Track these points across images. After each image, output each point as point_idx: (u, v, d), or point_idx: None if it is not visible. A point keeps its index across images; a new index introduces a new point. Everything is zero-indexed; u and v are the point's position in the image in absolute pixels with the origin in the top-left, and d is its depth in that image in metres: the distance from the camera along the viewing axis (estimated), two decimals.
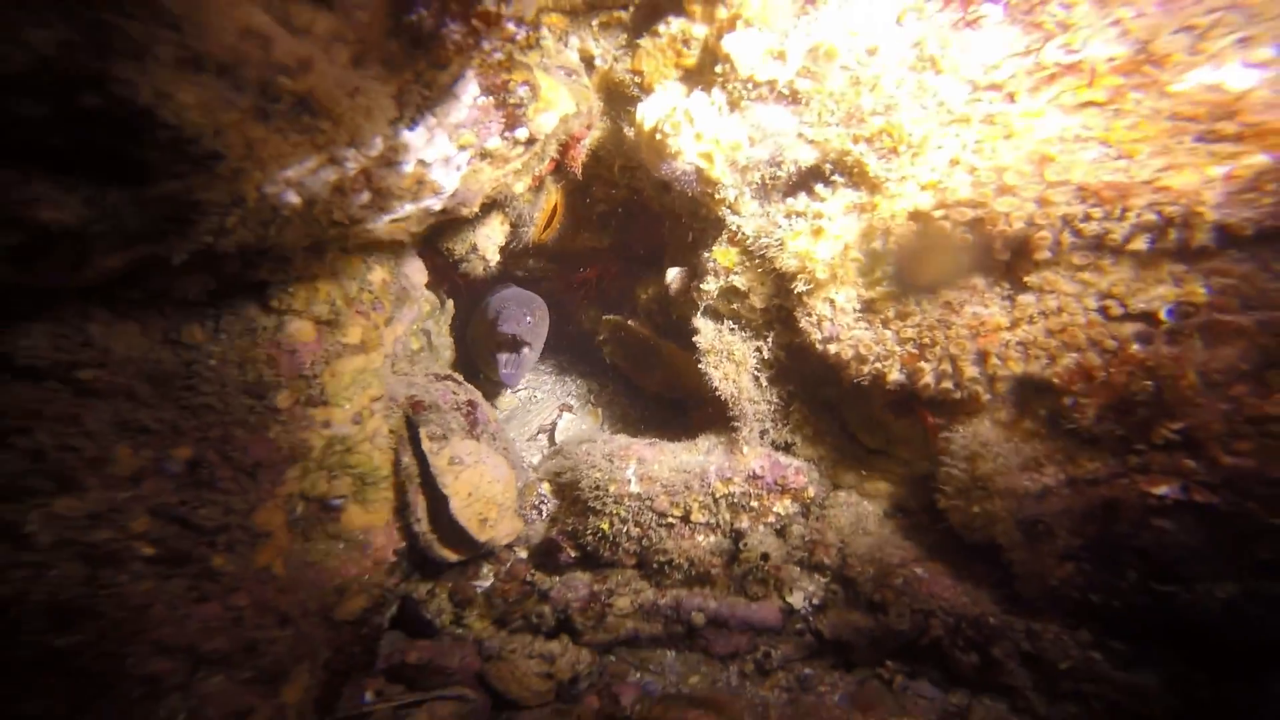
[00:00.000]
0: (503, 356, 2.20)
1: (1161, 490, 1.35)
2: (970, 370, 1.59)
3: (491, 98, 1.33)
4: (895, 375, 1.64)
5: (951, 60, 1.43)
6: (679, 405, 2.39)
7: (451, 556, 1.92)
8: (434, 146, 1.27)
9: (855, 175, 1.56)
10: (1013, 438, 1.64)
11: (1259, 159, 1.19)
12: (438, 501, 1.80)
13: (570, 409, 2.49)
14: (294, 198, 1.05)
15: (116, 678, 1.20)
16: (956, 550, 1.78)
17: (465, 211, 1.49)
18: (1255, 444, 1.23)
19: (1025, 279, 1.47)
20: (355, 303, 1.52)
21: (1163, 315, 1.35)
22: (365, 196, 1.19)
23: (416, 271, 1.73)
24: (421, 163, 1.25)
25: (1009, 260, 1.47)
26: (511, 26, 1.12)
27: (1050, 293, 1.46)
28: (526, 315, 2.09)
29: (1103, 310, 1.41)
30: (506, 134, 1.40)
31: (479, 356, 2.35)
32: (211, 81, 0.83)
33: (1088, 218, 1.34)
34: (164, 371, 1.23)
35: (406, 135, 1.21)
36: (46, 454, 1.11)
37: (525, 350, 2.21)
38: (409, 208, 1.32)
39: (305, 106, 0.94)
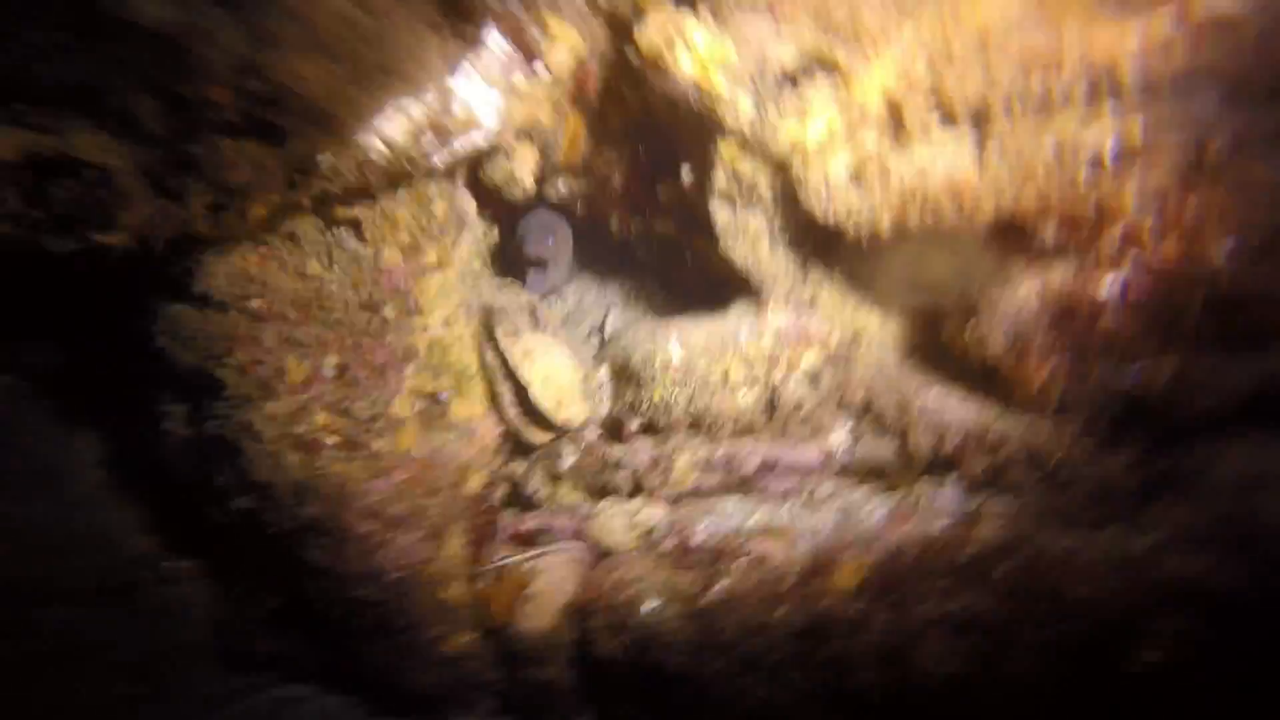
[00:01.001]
0: (530, 274, 2.51)
1: (1107, 278, 1.62)
2: (949, 213, 1.82)
3: (513, 42, 1.61)
4: (885, 228, 1.88)
5: None
6: (711, 292, 2.59)
7: (539, 437, 2.32)
8: (473, 88, 1.57)
9: (830, 66, 1.80)
10: (994, 265, 1.88)
11: (1165, 21, 1.45)
12: (520, 389, 2.19)
13: (615, 309, 2.81)
14: (380, 144, 1.38)
15: (345, 538, 1.64)
16: (963, 374, 2.01)
17: (504, 142, 1.79)
18: (1179, 239, 1.52)
19: (987, 137, 1.69)
20: (427, 230, 1.86)
21: (1106, 151, 1.58)
22: (429, 137, 1.51)
23: (467, 201, 2.06)
24: (465, 104, 1.56)
25: (974, 125, 1.70)
26: None
27: (1011, 145, 1.67)
28: (548, 237, 2.37)
29: (1057, 153, 1.63)
30: (528, 71, 1.68)
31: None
32: (322, 59, 1.14)
33: (1028, 80, 1.59)
34: (302, 297, 1.60)
35: (450, 82, 1.51)
36: (246, 368, 1.50)
37: (550, 267, 2.51)
38: (459, 143, 1.63)
39: (383, 68, 1.25)
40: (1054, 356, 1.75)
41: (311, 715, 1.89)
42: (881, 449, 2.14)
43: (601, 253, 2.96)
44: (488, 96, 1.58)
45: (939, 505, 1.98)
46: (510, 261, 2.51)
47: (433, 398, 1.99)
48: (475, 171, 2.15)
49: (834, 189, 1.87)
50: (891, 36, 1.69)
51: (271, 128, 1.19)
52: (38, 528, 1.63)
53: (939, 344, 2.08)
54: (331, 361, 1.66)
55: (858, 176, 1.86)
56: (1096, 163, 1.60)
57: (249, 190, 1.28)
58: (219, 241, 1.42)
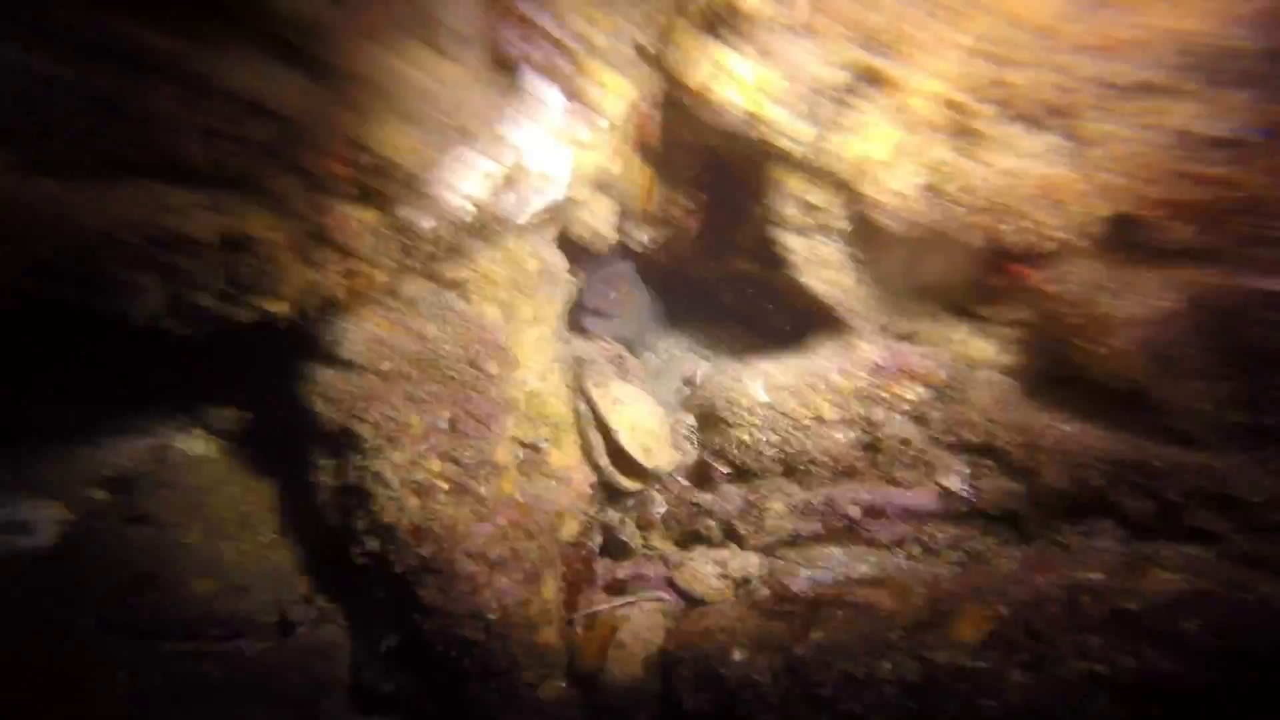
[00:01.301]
0: (587, 320, 2.60)
1: (1267, 280, 1.44)
2: (1049, 220, 1.72)
3: (573, 101, 1.77)
4: (977, 243, 1.82)
5: None
6: (798, 330, 2.55)
7: (630, 485, 2.36)
8: (543, 147, 1.73)
9: (878, 79, 1.80)
10: (1116, 272, 1.73)
11: None
12: (609, 437, 2.26)
13: (706, 358, 2.85)
14: (469, 204, 1.55)
15: (453, 578, 1.74)
16: (1102, 402, 1.81)
17: (579, 196, 1.94)
18: None
19: (1079, 134, 1.59)
20: (521, 288, 2.03)
21: (1229, 134, 1.43)
22: (510, 195, 1.68)
23: (557, 257, 2.23)
24: (539, 161, 1.72)
25: (1060, 123, 1.61)
26: (551, 28, 1.52)
27: (1111, 139, 1.57)
28: (610, 290, 2.45)
29: (1180, 142, 1.50)
30: (591, 125, 1.83)
31: None
32: (412, 129, 1.32)
33: (1113, 69, 1.50)
34: (422, 357, 1.79)
35: (522, 143, 1.67)
36: (380, 424, 1.70)
37: (612, 318, 2.58)
38: (540, 199, 1.79)
39: (462, 133, 1.42)
40: (1212, 372, 1.54)
41: None
42: (1009, 490, 1.93)
43: (688, 301, 3.06)
44: (557, 152, 1.72)
45: (1091, 552, 1.71)
46: (576, 312, 2.60)
47: (531, 447, 2.10)
48: (562, 230, 2.33)
49: (908, 205, 1.82)
50: (941, 40, 1.67)
51: (380, 196, 1.38)
52: (237, 566, 1.90)
53: (1067, 369, 1.89)
54: (444, 415, 1.82)
55: (932, 190, 1.80)
56: (1221, 146, 1.43)
57: (371, 257, 1.48)
58: (353, 307, 1.65)
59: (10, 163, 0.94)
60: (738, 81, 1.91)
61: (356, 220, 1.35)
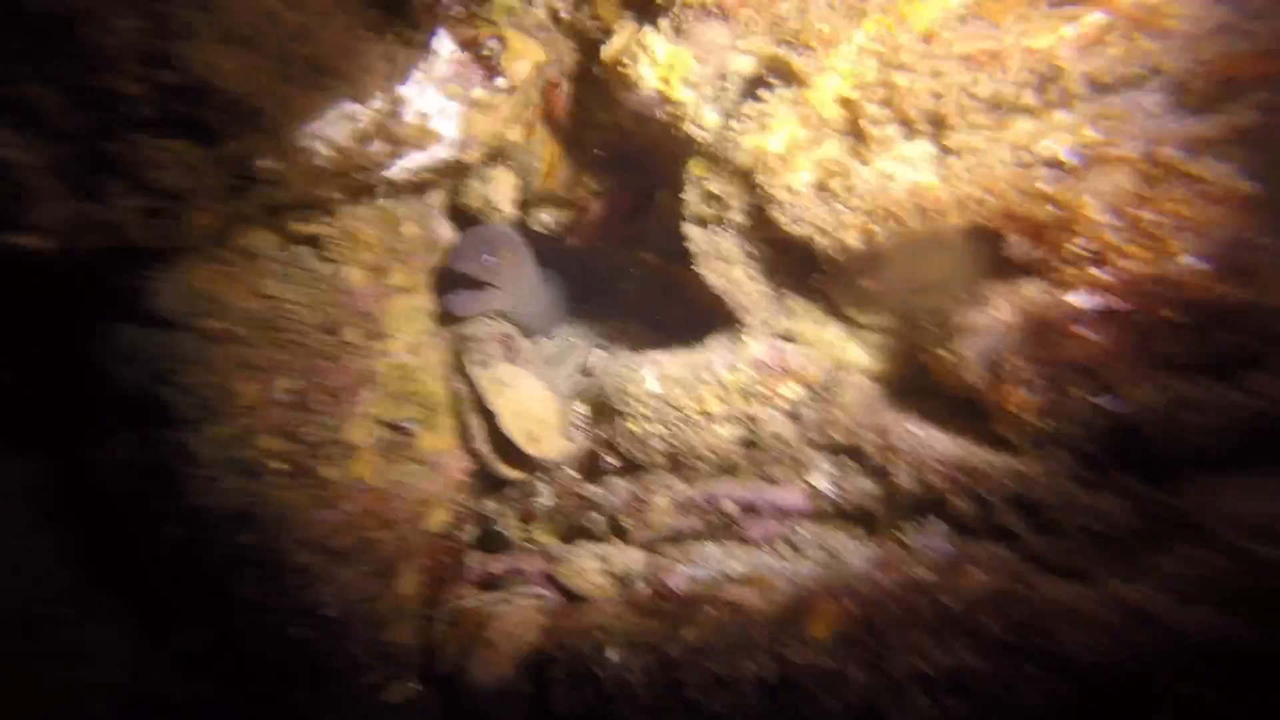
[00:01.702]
0: (458, 294, 2.10)
1: (1077, 297, 1.54)
2: (915, 227, 1.75)
3: (467, 52, 1.63)
4: (853, 242, 1.83)
5: None
6: (695, 323, 2.60)
7: (511, 474, 2.24)
8: (426, 98, 1.58)
9: (787, 74, 1.80)
10: (971, 284, 1.78)
11: (1097, 16, 1.47)
12: (490, 421, 2.13)
13: (604, 349, 2.77)
14: (324, 148, 1.38)
15: (281, 569, 1.55)
16: (945, 406, 1.92)
17: (469, 158, 1.80)
18: (1145, 248, 1.46)
19: (945, 144, 1.66)
20: (395, 252, 1.85)
21: (1063, 156, 1.55)
22: (379, 144, 1.52)
23: (442, 226, 2.06)
24: (420, 113, 1.57)
25: (931, 131, 1.67)
26: None
27: (970, 151, 1.65)
28: (484, 253, 1.99)
29: (1018, 160, 1.60)
30: (487, 83, 1.70)
31: None
32: (242, 51, 1.14)
33: (976, 82, 1.58)
34: (258, 317, 1.57)
35: (400, 89, 1.52)
36: (193, 390, 1.46)
37: (486, 289, 2.12)
38: (420, 156, 1.64)
39: (315, 67, 1.25)
40: (1030, 382, 1.64)
41: None
42: (865, 489, 2.01)
43: (589, 288, 2.96)
44: (444, 107, 1.59)
45: (924, 550, 1.83)
46: (442, 283, 2.17)
47: (395, 427, 1.93)
48: (452, 199, 2.17)
49: (799, 202, 1.83)
50: (841, 40, 1.67)
51: (195, 125, 1.17)
52: None
53: (923, 375, 1.97)
54: (283, 385, 1.62)
55: (822, 188, 1.81)
56: (1053, 166, 1.54)
57: (186, 194, 1.27)
58: (165, 254, 1.41)
59: None
60: (650, 57, 1.84)
61: (159, 150, 1.14)
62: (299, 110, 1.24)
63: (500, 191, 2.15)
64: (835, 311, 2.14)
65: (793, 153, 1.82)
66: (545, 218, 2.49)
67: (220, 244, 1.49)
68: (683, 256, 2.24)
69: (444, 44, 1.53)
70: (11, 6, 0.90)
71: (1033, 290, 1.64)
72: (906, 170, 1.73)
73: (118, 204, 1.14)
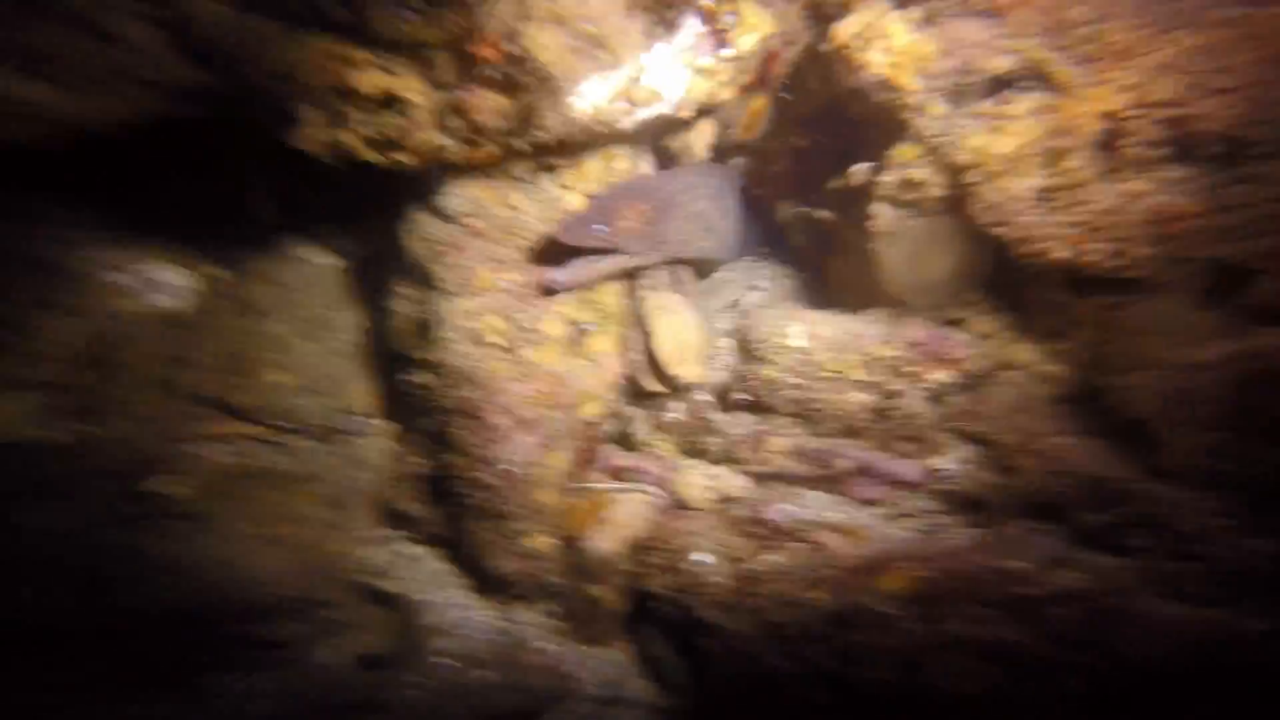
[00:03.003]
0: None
1: None
2: (1144, 250, 1.77)
3: (706, 25, 1.86)
4: (1062, 254, 1.86)
5: None
6: (854, 289, 2.59)
7: (653, 386, 2.62)
8: (663, 65, 1.84)
9: (1046, 81, 1.79)
10: (1188, 316, 1.81)
11: None
12: (647, 340, 2.52)
13: (758, 289, 2.95)
14: (583, 105, 1.72)
15: (483, 424, 2.10)
16: (1111, 429, 1.96)
17: (683, 115, 2.07)
18: None
19: (1234, 176, 1.59)
20: (606, 182, 2.23)
21: None
22: (621, 104, 1.83)
23: (647, 164, 2.39)
24: (655, 78, 1.85)
25: (1221, 159, 1.61)
26: None
27: (1260, 187, 1.58)
28: (598, 224, 2.01)
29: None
30: (716, 52, 1.91)
31: None
32: (558, 31, 1.48)
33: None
34: (507, 224, 2.06)
35: (646, 59, 1.80)
36: (457, 271, 2.04)
37: (589, 259, 2.12)
38: (644, 112, 1.94)
39: (597, 43, 1.57)
40: (1223, 429, 1.67)
41: (420, 575, 2.39)
42: (988, 482, 2.12)
43: (760, 232, 3.13)
44: (675, 73, 1.85)
45: (1030, 547, 1.88)
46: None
47: (578, 326, 2.39)
48: (659, 140, 2.47)
49: (1014, 206, 1.86)
50: (1136, 56, 1.64)
51: (515, 85, 1.57)
52: (309, 365, 2.30)
53: (1093, 390, 2.02)
54: (509, 276, 2.11)
55: (1045, 197, 1.84)
56: None
57: (490, 132, 1.71)
58: (465, 172, 1.89)
59: None
60: (886, 43, 1.90)
61: (492, 101, 1.56)
62: (577, 75, 1.60)
63: (700, 139, 2.42)
64: (1020, 316, 2.19)
65: (1023, 157, 1.84)
66: (736, 161, 2.68)
67: (498, 169, 1.95)
68: (860, 227, 2.35)
69: (690, 19, 1.77)
70: None
71: (1269, 339, 1.62)
72: (1158, 192, 1.70)
73: (457, 137, 1.59)
